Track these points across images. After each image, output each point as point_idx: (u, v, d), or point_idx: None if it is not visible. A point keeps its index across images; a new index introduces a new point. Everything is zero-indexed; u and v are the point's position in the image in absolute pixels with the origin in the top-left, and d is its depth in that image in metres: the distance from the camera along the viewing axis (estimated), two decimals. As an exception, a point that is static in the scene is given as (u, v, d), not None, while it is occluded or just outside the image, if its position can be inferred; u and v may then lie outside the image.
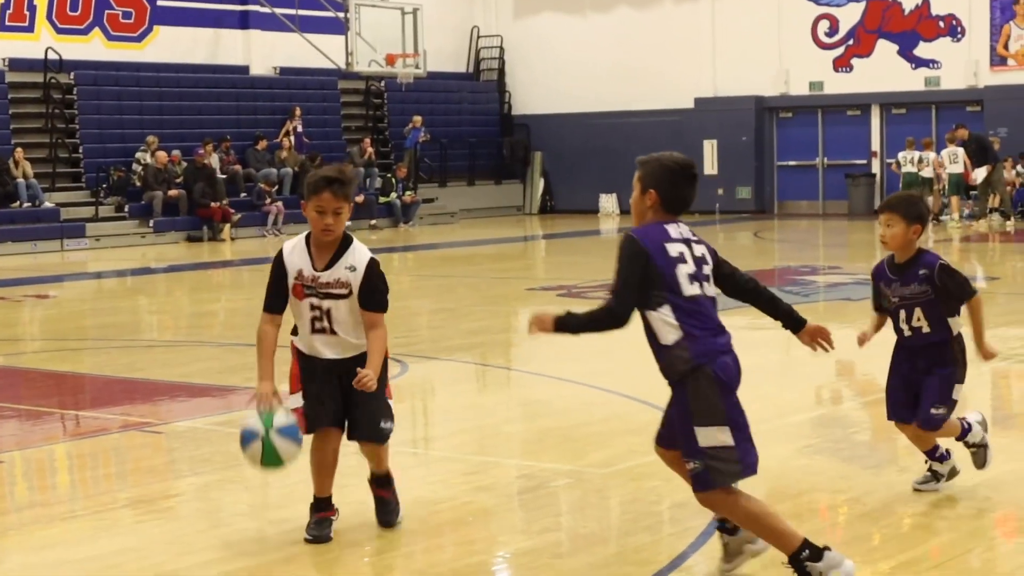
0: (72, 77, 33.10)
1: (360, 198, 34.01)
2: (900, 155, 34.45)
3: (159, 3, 35.22)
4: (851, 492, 8.43)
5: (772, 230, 32.94)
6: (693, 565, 6.91)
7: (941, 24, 36.30)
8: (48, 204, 30.94)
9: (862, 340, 7.91)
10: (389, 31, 34.63)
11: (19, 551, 7.51)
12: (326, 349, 7.05)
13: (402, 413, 8.32)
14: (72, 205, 31.77)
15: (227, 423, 11.06)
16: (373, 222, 34.54)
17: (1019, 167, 34.11)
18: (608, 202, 39.76)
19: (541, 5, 41.58)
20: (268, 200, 33.51)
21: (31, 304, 20.77)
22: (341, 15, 34.15)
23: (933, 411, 7.57)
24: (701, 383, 6.01)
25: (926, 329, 7.55)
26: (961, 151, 32.83)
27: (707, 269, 6.26)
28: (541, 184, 41.31)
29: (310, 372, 7.17)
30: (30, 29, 32.77)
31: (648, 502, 8.28)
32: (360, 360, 6.99)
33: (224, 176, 32.94)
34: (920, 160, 33.62)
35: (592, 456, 9.29)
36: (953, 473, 7.95)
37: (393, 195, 35.45)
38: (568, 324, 6.16)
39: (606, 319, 6.09)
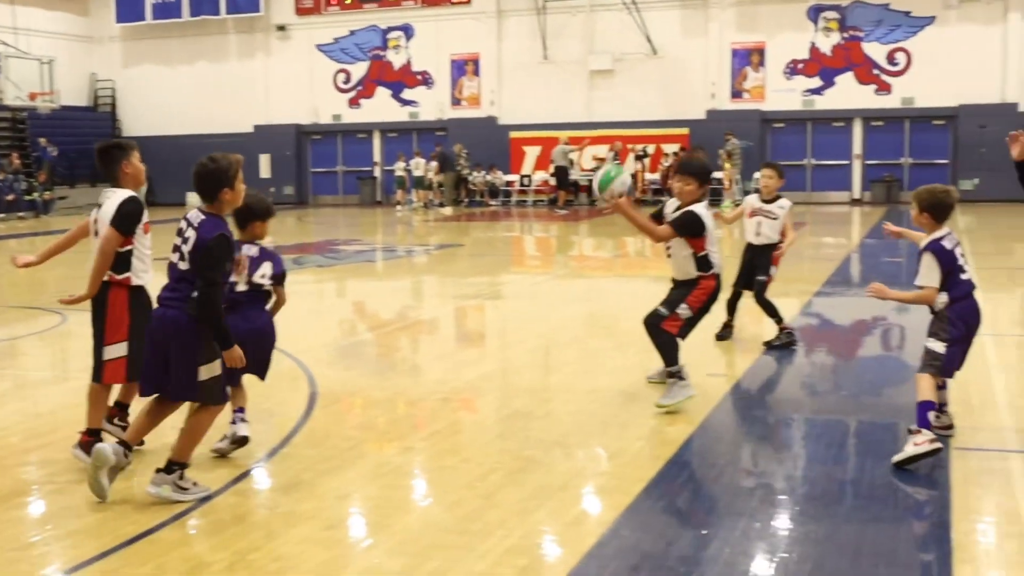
0: None
1: (11, 197, 32.45)
2: (396, 164, 35.32)
3: None
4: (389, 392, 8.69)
5: (311, 216, 32.89)
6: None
7: (419, 77, 37.11)
8: None
9: None
10: (31, 75, 32.91)
11: None
12: None
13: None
14: None
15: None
16: (21, 214, 32.60)
17: (484, 173, 35.32)
18: (192, 198, 38.48)
19: (143, 58, 39.99)
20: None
21: None
22: (-7, 63, 32.15)
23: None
24: None
25: None
26: (423, 161, 34.31)
27: (184, 249, 5.70)
28: (146, 184, 39.78)
29: None
30: None
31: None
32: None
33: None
34: (405, 168, 34.59)
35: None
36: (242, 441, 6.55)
37: (35, 194, 33.57)
38: None
39: None
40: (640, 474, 6.13)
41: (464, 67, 36.47)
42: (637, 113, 33.89)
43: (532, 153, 35.31)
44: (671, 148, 33.30)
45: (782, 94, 33.27)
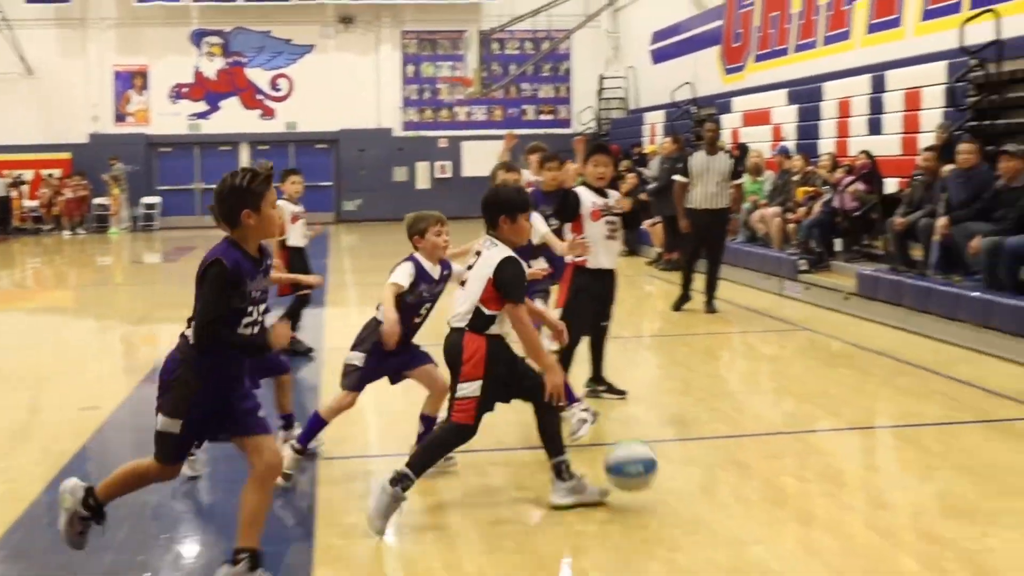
0: None
1: None
2: None
3: None
4: None
5: None
6: None
7: None
8: None
9: None
10: None
11: None
12: None
13: None
14: None
15: None
16: None
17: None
18: None
19: None
20: None
21: None
22: None
23: None
24: None
25: None
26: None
27: None
28: None
29: None
30: None
31: None
32: None
33: None
34: None
35: None
36: None
37: None
38: None
39: None
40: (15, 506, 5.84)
41: None
42: (13, 136, 31.97)
43: None
44: (52, 172, 31.88)
45: (168, 118, 33.00)
